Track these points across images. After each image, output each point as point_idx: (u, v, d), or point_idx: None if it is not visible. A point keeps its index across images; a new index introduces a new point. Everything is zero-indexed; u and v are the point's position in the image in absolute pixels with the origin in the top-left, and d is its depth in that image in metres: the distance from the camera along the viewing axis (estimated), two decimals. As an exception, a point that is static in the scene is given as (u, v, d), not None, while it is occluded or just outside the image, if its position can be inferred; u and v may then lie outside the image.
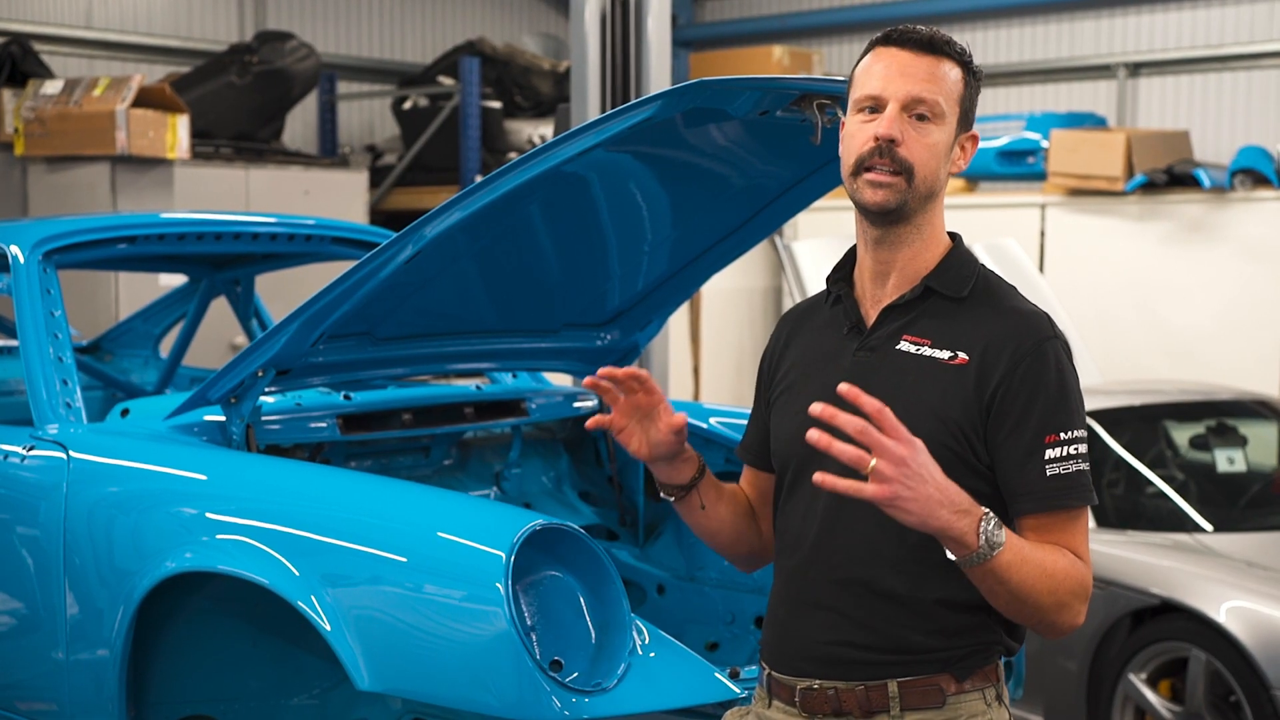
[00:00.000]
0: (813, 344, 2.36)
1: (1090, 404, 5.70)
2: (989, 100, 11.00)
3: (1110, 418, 5.65)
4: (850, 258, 2.37)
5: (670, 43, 6.08)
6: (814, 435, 2.00)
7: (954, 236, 2.33)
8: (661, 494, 2.46)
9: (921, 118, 2.19)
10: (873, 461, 1.98)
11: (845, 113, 2.29)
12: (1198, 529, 5.21)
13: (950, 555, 2.07)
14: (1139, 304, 8.56)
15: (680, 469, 2.42)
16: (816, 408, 2.01)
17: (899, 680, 2.20)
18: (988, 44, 11.14)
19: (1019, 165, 9.45)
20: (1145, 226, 8.57)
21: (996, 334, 2.20)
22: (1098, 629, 4.85)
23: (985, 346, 2.19)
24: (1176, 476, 5.66)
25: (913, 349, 2.23)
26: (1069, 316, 7.17)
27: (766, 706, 2.33)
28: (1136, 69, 10.36)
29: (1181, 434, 5.89)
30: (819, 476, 2.00)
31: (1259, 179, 8.22)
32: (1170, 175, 8.42)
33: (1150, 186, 8.46)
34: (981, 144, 10.04)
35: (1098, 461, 5.48)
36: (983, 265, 2.32)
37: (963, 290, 2.25)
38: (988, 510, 2.07)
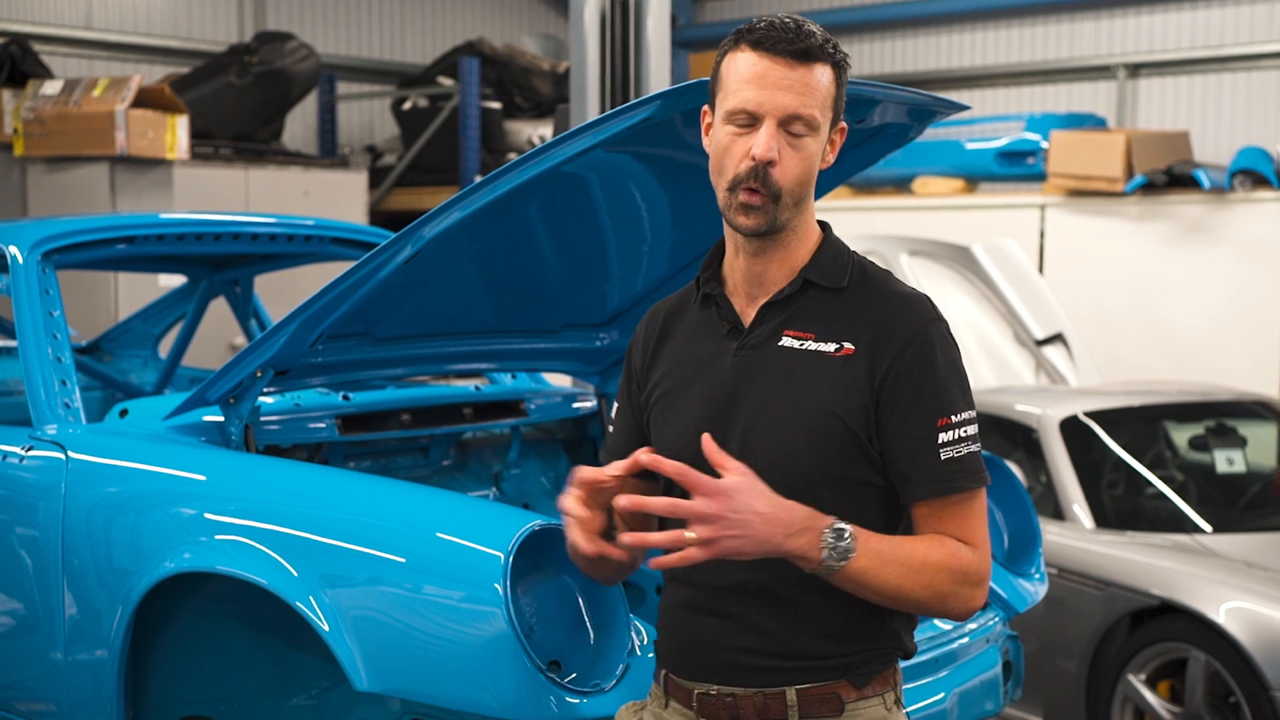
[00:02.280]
0: (688, 346, 2.30)
1: (1090, 405, 5.70)
2: (989, 101, 11.00)
3: (1110, 418, 5.65)
4: (720, 253, 2.30)
5: (670, 43, 6.09)
6: (626, 539, 2.03)
7: (823, 226, 2.28)
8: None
9: (797, 133, 2.14)
10: (688, 534, 1.96)
11: (711, 107, 2.22)
12: (1197, 530, 5.21)
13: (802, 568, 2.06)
14: (1138, 305, 8.56)
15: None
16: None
17: (797, 688, 2.16)
18: (987, 44, 11.14)
19: (1018, 166, 9.46)
20: (1145, 227, 8.57)
21: (880, 320, 2.16)
22: (1097, 629, 4.85)
23: (871, 334, 2.16)
24: (1176, 477, 5.66)
25: (796, 344, 2.19)
26: (1068, 317, 7.17)
27: (663, 707, 2.28)
28: (1136, 70, 10.36)
29: (1181, 435, 5.89)
30: (654, 561, 1.99)
31: (1259, 180, 8.22)
32: (1170, 176, 8.42)
33: (1150, 187, 8.46)
34: (981, 144, 9.96)
35: (1097, 462, 5.48)
36: (855, 253, 2.27)
37: (841, 280, 2.21)
38: (833, 522, 2.04)
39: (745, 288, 2.25)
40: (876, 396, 2.14)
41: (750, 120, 2.14)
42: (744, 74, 2.14)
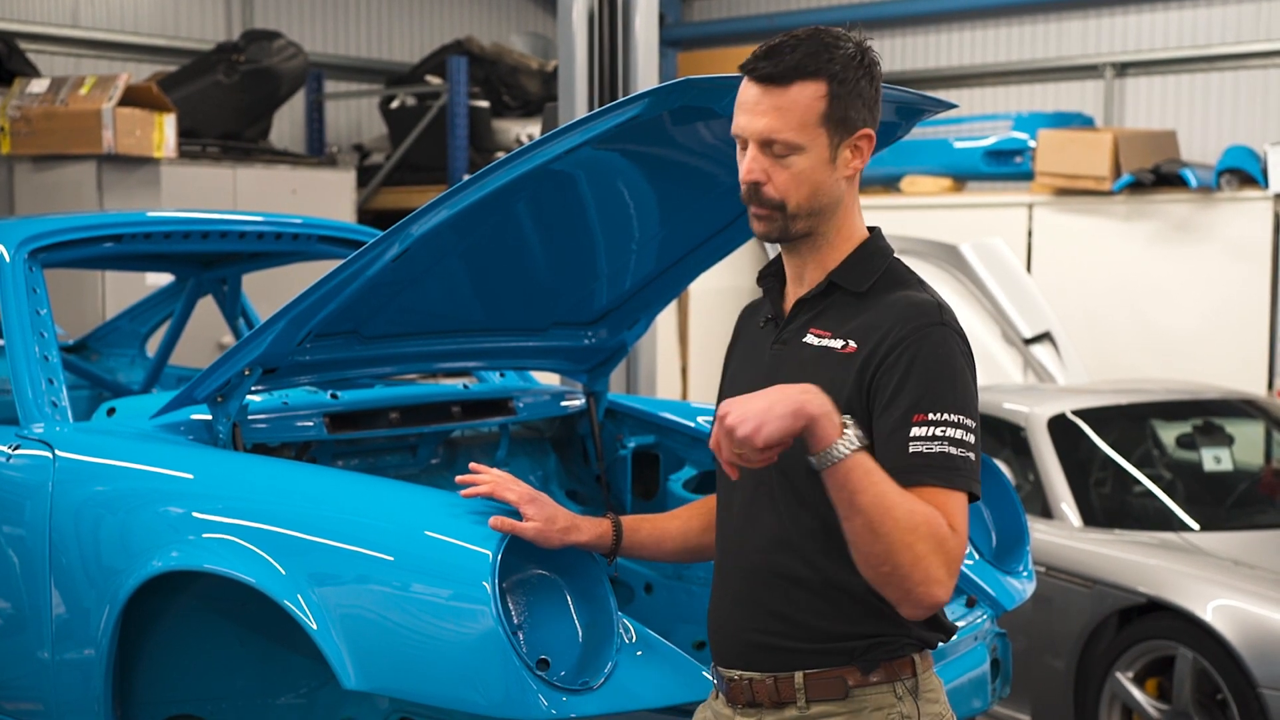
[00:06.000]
0: (750, 338, 2.46)
1: (1078, 403, 5.71)
2: (977, 100, 11.02)
3: (1097, 417, 5.66)
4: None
5: (658, 42, 6.08)
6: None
7: (873, 231, 2.39)
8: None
9: (779, 153, 2.24)
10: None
11: None
12: (1184, 528, 5.22)
13: (810, 456, 2.09)
14: (1126, 303, 8.58)
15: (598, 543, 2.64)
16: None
17: (805, 672, 2.24)
18: (975, 44, 11.16)
19: (1006, 165, 9.47)
20: (1132, 226, 8.59)
21: (884, 321, 2.24)
22: (1085, 627, 4.86)
23: (874, 334, 2.23)
24: (1163, 475, 5.68)
25: (816, 341, 2.29)
26: (1056, 316, 7.18)
27: (715, 697, 2.41)
28: (1123, 69, 10.38)
29: (1168, 433, 5.91)
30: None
31: (1245, 179, 8.24)
32: (1157, 175, 8.44)
33: (1137, 186, 8.48)
34: (969, 143, 9.97)
35: (1085, 460, 5.49)
36: (895, 260, 2.36)
37: (864, 285, 2.30)
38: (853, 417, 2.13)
39: (791, 285, 2.39)
40: (868, 391, 2.21)
41: (744, 144, 2.27)
42: (738, 100, 2.28)
